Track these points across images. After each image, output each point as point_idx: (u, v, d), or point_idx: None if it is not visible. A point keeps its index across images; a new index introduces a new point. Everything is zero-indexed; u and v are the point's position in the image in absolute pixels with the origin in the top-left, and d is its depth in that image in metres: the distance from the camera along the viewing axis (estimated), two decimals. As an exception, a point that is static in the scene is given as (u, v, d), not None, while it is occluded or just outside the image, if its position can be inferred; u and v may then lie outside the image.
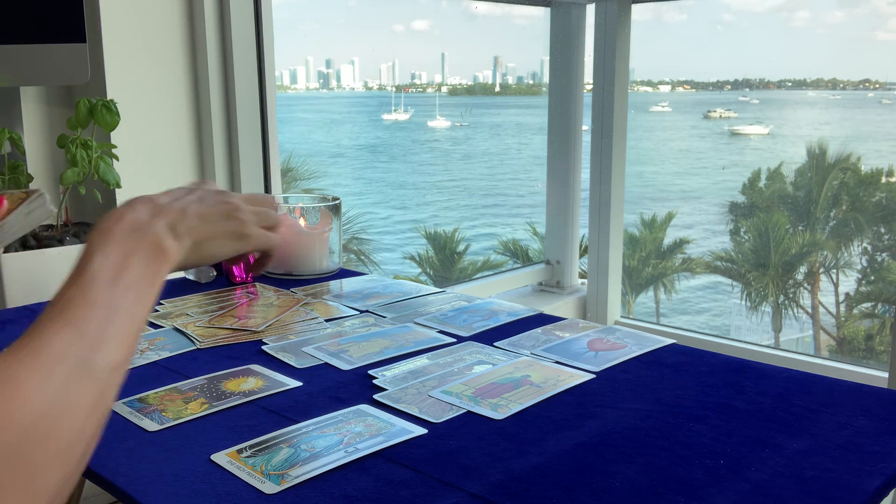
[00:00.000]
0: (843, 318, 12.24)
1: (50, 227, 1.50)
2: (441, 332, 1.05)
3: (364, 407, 0.80)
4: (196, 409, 0.80)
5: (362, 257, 12.14)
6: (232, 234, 0.72)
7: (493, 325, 1.08)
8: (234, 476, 0.67)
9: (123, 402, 0.82)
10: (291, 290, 1.27)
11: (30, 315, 1.14)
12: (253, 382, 0.87)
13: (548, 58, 3.20)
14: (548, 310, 1.18)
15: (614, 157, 2.99)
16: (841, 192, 12.99)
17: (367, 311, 1.15)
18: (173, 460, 0.70)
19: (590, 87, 3.07)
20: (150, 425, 0.77)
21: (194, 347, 0.99)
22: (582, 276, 3.28)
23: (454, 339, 1.02)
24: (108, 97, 1.57)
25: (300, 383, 0.87)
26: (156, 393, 0.85)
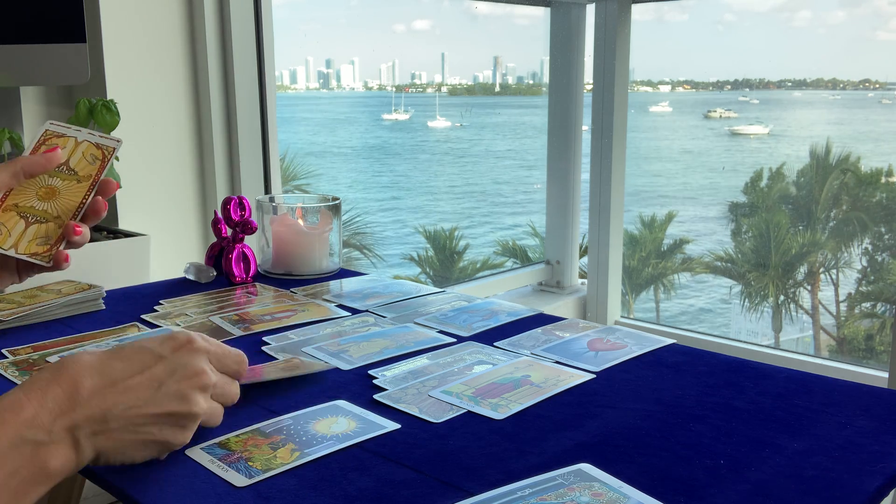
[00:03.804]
0: (843, 318, 12.24)
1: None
2: (441, 332, 1.05)
3: (586, 468, 0.67)
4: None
5: (365, 251, 12.13)
6: (160, 443, 0.59)
7: (493, 325, 1.08)
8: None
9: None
10: (291, 290, 1.27)
11: (30, 315, 1.14)
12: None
13: (548, 58, 3.20)
14: (548, 310, 1.18)
15: (614, 157, 3.00)
16: (841, 192, 12.99)
17: (366, 311, 1.15)
18: (173, 460, 0.70)
19: (590, 87, 3.07)
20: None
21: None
22: (582, 276, 3.28)
23: (454, 339, 1.02)
24: (108, 97, 1.57)
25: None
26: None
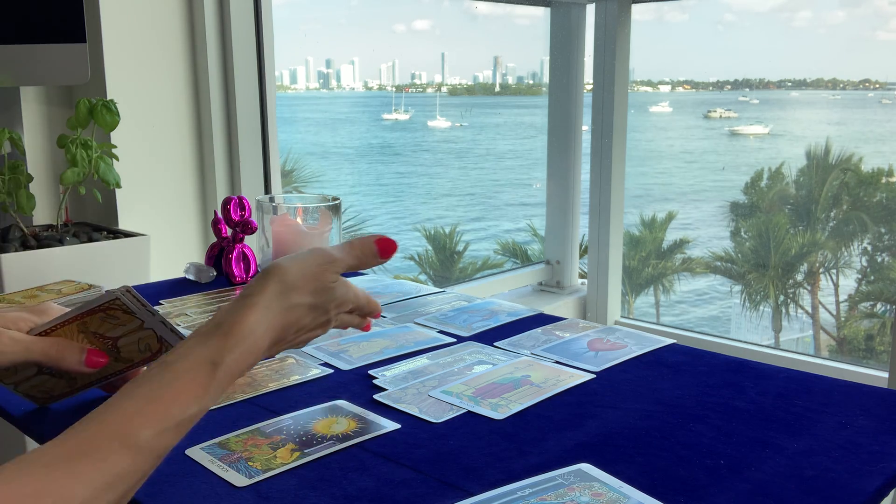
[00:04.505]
0: (843, 319, 12.24)
1: (50, 226, 1.50)
2: (441, 332, 1.05)
3: (586, 468, 0.68)
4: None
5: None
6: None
7: (493, 325, 1.08)
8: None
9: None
10: (291, 290, 1.27)
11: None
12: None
13: (548, 58, 3.20)
14: (548, 310, 1.18)
15: (614, 157, 2.99)
16: (841, 192, 12.98)
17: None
18: (173, 460, 0.70)
19: (590, 87, 3.07)
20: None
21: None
22: (582, 276, 3.28)
23: (454, 339, 1.02)
24: (108, 97, 1.57)
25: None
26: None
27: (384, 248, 0.72)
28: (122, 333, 0.70)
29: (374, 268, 0.80)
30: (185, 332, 1.03)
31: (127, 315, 0.69)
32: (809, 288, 12.53)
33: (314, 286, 0.66)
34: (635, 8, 3.04)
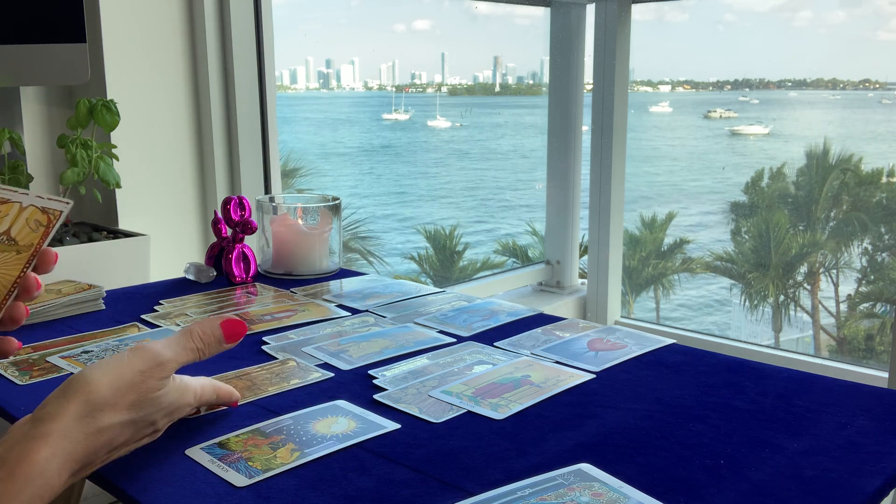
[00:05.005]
0: (843, 318, 12.24)
1: (50, 227, 1.50)
2: (441, 332, 1.05)
3: (586, 467, 0.67)
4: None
5: (369, 258, 12.17)
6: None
7: (493, 325, 1.08)
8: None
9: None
10: (291, 290, 1.27)
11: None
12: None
13: (548, 58, 3.20)
14: (548, 310, 1.18)
15: (614, 157, 2.99)
16: (841, 192, 12.98)
17: (366, 311, 1.15)
18: (173, 460, 0.70)
19: (590, 87, 3.07)
20: (150, 425, 0.77)
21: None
22: (582, 276, 3.28)
23: (454, 339, 1.02)
24: (108, 97, 1.57)
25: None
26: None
27: (231, 331, 0.64)
28: (10, 223, 0.71)
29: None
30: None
31: (6, 204, 0.71)
32: (809, 288, 12.52)
33: (132, 399, 0.57)
34: (635, 8, 3.04)
